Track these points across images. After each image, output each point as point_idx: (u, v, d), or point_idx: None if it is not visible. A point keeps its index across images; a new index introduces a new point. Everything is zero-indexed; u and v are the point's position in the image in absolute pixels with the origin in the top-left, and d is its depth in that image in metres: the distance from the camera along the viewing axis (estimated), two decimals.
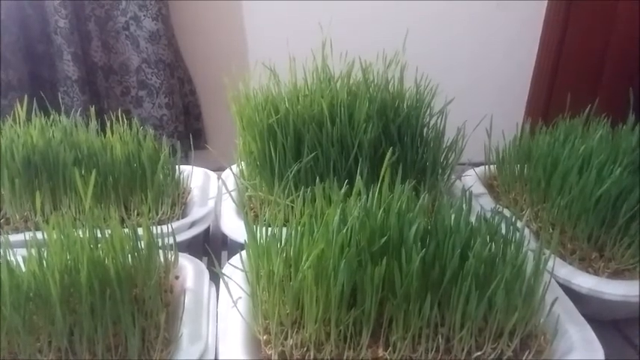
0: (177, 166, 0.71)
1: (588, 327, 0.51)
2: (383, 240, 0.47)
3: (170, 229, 0.55)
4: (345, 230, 0.47)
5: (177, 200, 0.68)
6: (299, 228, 0.48)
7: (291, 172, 0.61)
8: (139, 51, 1.59)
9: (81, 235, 0.45)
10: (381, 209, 0.50)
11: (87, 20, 1.55)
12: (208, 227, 0.70)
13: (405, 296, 0.46)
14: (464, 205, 0.53)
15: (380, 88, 0.69)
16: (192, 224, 0.66)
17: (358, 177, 0.54)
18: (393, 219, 0.49)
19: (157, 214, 0.66)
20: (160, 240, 0.53)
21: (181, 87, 1.67)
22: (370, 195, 0.52)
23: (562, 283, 0.58)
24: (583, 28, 1.63)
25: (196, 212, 0.67)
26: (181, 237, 0.63)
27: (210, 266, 0.57)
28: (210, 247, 0.73)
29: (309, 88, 0.70)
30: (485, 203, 0.72)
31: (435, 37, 1.66)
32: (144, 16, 1.55)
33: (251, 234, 0.49)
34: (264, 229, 0.50)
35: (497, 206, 0.66)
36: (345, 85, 0.67)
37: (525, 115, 1.76)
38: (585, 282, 0.57)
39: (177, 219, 0.67)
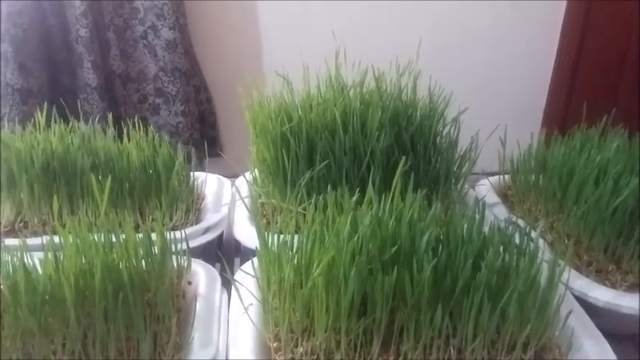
0: (191, 173, 0.71)
1: (604, 340, 0.50)
2: (394, 249, 0.47)
3: (183, 235, 0.55)
4: (355, 238, 0.47)
5: (191, 206, 0.69)
6: (310, 235, 0.48)
7: (303, 180, 0.62)
8: (156, 59, 1.62)
9: (96, 240, 0.45)
10: (393, 218, 0.50)
11: (106, 29, 1.58)
12: (222, 233, 0.71)
13: (415, 306, 0.46)
14: (476, 215, 0.52)
15: (393, 97, 0.69)
16: (206, 230, 0.67)
17: (370, 185, 0.54)
18: (404, 228, 0.49)
19: (172, 220, 0.66)
20: (173, 245, 0.54)
21: (197, 95, 1.69)
22: (382, 203, 0.52)
23: (578, 295, 0.57)
24: (603, 31, 1.61)
25: (210, 218, 0.67)
26: (195, 243, 0.64)
27: (222, 272, 0.57)
28: (224, 253, 0.73)
29: (323, 97, 0.70)
30: (499, 213, 0.71)
31: (450, 43, 1.66)
32: (161, 25, 1.57)
33: (262, 241, 0.49)
34: (275, 236, 0.50)
35: (511, 216, 0.66)
36: (357, 94, 0.67)
37: (543, 123, 1.75)
38: (602, 295, 0.56)
39: (191, 225, 0.67)
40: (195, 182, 0.73)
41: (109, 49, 1.60)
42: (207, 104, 1.73)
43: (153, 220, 0.65)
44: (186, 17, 1.61)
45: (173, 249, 0.55)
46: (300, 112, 0.67)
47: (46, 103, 0.75)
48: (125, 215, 0.56)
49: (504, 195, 0.78)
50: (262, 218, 0.68)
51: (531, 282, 0.47)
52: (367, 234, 0.48)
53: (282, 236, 0.50)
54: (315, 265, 0.46)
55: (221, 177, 0.79)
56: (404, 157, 0.59)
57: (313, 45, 0.96)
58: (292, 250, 0.48)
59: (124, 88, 1.66)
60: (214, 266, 0.61)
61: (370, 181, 0.59)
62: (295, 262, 0.48)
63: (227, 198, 0.74)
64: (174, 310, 0.48)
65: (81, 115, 0.74)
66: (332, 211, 0.52)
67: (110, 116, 0.70)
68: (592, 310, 0.56)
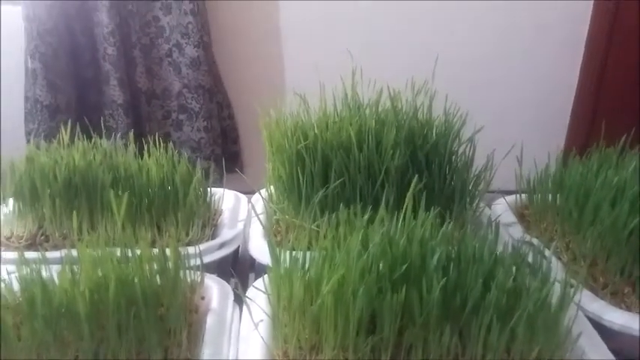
0: (208, 189, 0.73)
1: None
2: (404, 267, 0.47)
3: (197, 251, 0.56)
4: (365, 256, 0.47)
5: (207, 222, 0.70)
6: (320, 253, 0.49)
7: (317, 198, 0.62)
8: (180, 77, 1.65)
9: (112, 254, 0.47)
10: (404, 236, 0.50)
11: (133, 48, 1.62)
12: (238, 249, 0.72)
13: (424, 325, 0.46)
14: (489, 234, 0.52)
15: (408, 116, 0.70)
16: (221, 246, 0.68)
17: (382, 204, 0.55)
18: (415, 246, 0.49)
19: (188, 235, 0.68)
20: (188, 261, 0.55)
21: (220, 111, 1.71)
22: (394, 221, 0.52)
23: (592, 318, 0.56)
24: (627, 48, 1.59)
25: (225, 234, 0.68)
26: (210, 258, 0.65)
27: (234, 288, 0.58)
28: (239, 268, 0.74)
29: (339, 115, 0.71)
30: (514, 233, 0.71)
31: (472, 61, 1.66)
32: (186, 43, 1.61)
33: (273, 257, 0.50)
34: (286, 252, 0.51)
35: (525, 236, 0.65)
36: (373, 113, 0.68)
37: (566, 142, 1.73)
38: (617, 318, 0.55)
39: (207, 240, 0.68)
40: (213, 198, 0.74)
41: (135, 66, 1.64)
42: (229, 120, 1.75)
43: (169, 235, 0.67)
44: (210, 36, 1.65)
45: (187, 264, 0.56)
46: (315, 131, 0.68)
47: (71, 119, 0.78)
48: (142, 230, 0.57)
49: (521, 214, 0.77)
50: (277, 235, 0.69)
51: (542, 303, 0.47)
52: (377, 252, 0.48)
53: (293, 253, 0.51)
54: (324, 283, 0.46)
55: (238, 193, 0.80)
56: (417, 176, 0.59)
57: (333, 64, 0.98)
58: (303, 267, 0.49)
59: (149, 105, 1.70)
60: (230, 281, 0.61)
61: (383, 200, 0.59)
62: (306, 279, 0.48)
63: (243, 214, 0.75)
64: (185, 325, 0.49)
65: (104, 131, 0.76)
66: (344, 228, 0.52)
67: (132, 133, 0.72)
68: (607, 333, 0.55)
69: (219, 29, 1.68)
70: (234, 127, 1.77)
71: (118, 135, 0.76)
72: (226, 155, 1.75)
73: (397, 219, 0.52)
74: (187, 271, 0.55)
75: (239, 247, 0.72)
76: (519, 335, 0.46)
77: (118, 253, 0.49)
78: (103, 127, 0.79)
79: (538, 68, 1.68)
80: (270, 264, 0.52)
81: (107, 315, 0.44)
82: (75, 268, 0.46)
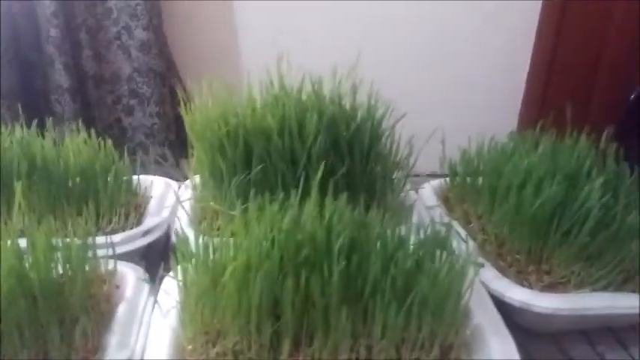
0: (134, 176, 0.73)
1: (511, 340, 0.51)
2: (304, 252, 0.48)
3: (109, 240, 0.57)
4: (268, 242, 0.48)
5: (130, 210, 0.70)
6: (224, 238, 0.49)
7: (235, 183, 0.63)
8: (130, 60, 1.62)
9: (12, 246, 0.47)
10: (309, 222, 0.51)
11: (78, 30, 1.58)
12: (168, 236, 0.72)
13: (324, 308, 0.48)
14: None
15: (333, 102, 0.71)
16: (145, 233, 0.68)
17: (295, 189, 0.56)
18: (320, 231, 0.50)
19: (110, 224, 0.68)
20: (107, 250, 0.56)
21: (173, 96, 1.69)
22: (304, 207, 0.53)
23: (496, 295, 0.59)
24: (577, 33, 1.63)
25: (149, 222, 0.69)
26: (132, 246, 0.65)
27: (145, 277, 0.58)
28: (169, 256, 0.74)
29: (264, 102, 0.72)
30: (436, 215, 0.73)
31: (421, 48, 1.68)
32: (135, 26, 1.58)
33: (180, 244, 0.51)
34: (194, 239, 0.51)
35: (444, 217, 0.67)
36: (293, 99, 0.69)
37: (518, 127, 1.77)
38: (517, 295, 0.58)
39: (131, 228, 0.68)
40: (139, 185, 0.74)
41: (81, 49, 1.60)
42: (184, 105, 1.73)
43: (91, 224, 0.67)
44: (162, 18, 1.62)
45: (104, 253, 0.57)
46: (237, 117, 0.68)
47: (15, 104, 0.75)
48: (50, 220, 0.57)
49: (446, 197, 0.80)
50: (202, 222, 0.69)
51: (436, 282, 0.49)
52: (282, 237, 0.49)
53: (201, 239, 0.51)
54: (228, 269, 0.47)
55: (169, 180, 0.80)
56: (324, 162, 0.61)
57: (287, 42, 0.96)
58: (206, 253, 0.50)
59: (98, 90, 1.66)
60: (158, 269, 0.62)
61: (300, 186, 0.60)
62: (209, 265, 0.49)
63: (171, 201, 0.75)
64: (93, 315, 0.49)
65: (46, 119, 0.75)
66: (255, 214, 0.53)
67: (51, 121, 0.71)
68: (511, 309, 0.58)
69: (171, 11, 1.65)
70: None
71: (68, 120, 0.75)
72: (180, 141, 1.73)
73: (306, 204, 0.54)
74: (101, 261, 0.56)
75: (169, 234, 0.72)
76: (413, 315, 0.48)
77: (24, 244, 0.49)
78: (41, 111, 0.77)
79: (490, 55, 1.71)
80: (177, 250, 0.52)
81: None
82: None
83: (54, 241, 0.49)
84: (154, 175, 0.81)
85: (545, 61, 1.68)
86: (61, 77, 1.56)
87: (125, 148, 0.73)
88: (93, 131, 0.71)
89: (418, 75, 1.70)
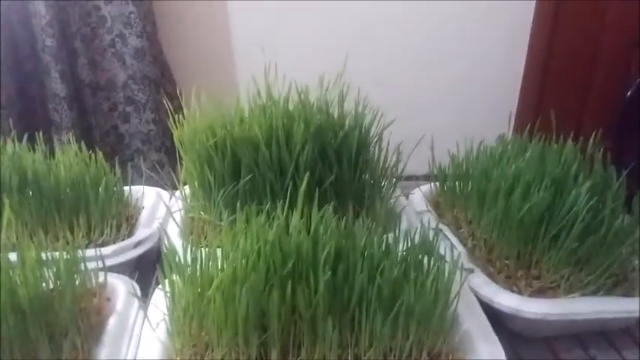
0: (126, 187, 0.73)
1: (499, 345, 0.52)
2: (290, 263, 0.49)
3: (98, 253, 0.57)
4: (255, 254, 0.49)
5: (123, 221, 0.70)
6: (211, 251, 0.50)
7: (223, 194, 0.63)
8: (125, 68, 1.63)
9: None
10: (295, 233, 0.51)
11: (73, 39, 1.59)
12: (159, 248, 0.72)
13: (311, 319, 0.48)
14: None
15: (320, 110, 0.71)
16: (137, 244, 0.68)
17: (282, 200, 0.56)
18: (306, 242, 0.51)
19: (102, 235, 0.68)
20: (99, 262, 0.56)
21: (169, 103, 1.70)
22: (291, 217, 0.54)
23: (485, 301, 0.59)
24: (571, 31, 1.63)
25: (141, 233, 0.69)
26: (123, 258, 0.65)
27: (132, 291, 0.58)
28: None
29: (252, 112, 0.72)
30: (426, 221, 0.73)
31: (416, 49, 1.69)
32: (129, 33, 1.59)
33: (169, 256, 0.51)
34: (182, 251, 0.52)
35: (433, 223, 0.68)
36: (281, 109, 0.69)
37: (515, 128, 1.76)
38: (506, 301, 0.58)
39: (123, 239, 0.69)
40: (130, 196, 0.75)
41: (76, 58, 1.61)
42: (180, 111, 1.74)
43: (83, 237, 0.67)
44: (156, 25, 1.63)
45: (95, 265, 0.57)
46: (226, 128, 0.68)
47: (13, 114, 0.75)
48: (40, 234, 0.57)
49: (436, 202, 0.80)
50: (192, 233, 0.70)
51: (423, 290, 0.49)
52: (268, 249, 0.50)
53: (190, 251, 0.52)
54: (215, 282, 0.48)
55: (160, 190, 0.81)
56: (311, 172, 0.61)
57: (282, 50, 0.96)
58: (194, 265, 0.50)
59: (94, 97, 1.67)
60: (151, 280, 0.62)
61: (287, 196, 0.61)
62: (197, 277, 0.50)
63: (163, 212, 0.76)
64: (82, 328, 0.50)
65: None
66: (243, 225, 0.54)
67: (41, 135, 0.71)
68: (500, 315, 0.58)
69: (165, 18, 1.66)
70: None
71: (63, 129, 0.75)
72: (176, 148, 1.73)
73: (293, 215, 0.54)
74: (92, 274, 0.56)
75: (160, 245, 0.72)
76: (400, 325, 0.48)
77: (14, 258, 0.49)
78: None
79: (483, 53, 1.71)
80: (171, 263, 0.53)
81: None
82: None
83: (44, 255, 0.49)
84: (150, 183, 0.81)
85: (541, 60, 1.67)
86: (57, 86, 1.57)
87: (121, 155, 0.74)
88: (87, 140, 0.72)
89: (411, 76, 1.70)
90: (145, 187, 0.79)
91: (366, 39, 1.65)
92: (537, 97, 1.72)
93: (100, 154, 0.72)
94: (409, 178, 0.77)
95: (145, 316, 0.53)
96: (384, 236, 0.54)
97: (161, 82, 1.65)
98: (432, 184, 0.81)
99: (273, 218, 0.53)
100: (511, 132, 0.79)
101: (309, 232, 0.52)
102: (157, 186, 0.82)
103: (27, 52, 1.56)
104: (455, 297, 0.53)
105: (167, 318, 0.51)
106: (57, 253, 0.52)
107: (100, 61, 1.64)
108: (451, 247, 0.67)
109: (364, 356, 0.49)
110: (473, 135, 0.76)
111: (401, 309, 0.48)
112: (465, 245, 0.68)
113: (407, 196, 0.81)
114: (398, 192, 0.77)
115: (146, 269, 0.71)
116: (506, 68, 1.72)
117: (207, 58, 1.71)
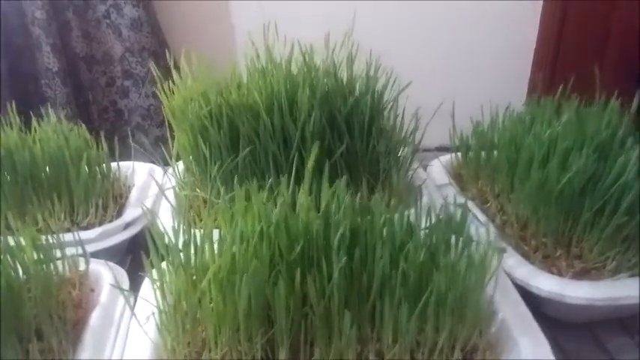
0: (110, 164, 0.66)
1: (543, 339, 0.44)
2: (299, 247, 0.41)
3: (77, 237, 0.50)
4: (256, 236, 0.41)
5: (109, 201, 0.63)
6: (206, 233, 0.43)
7: (220, 168, 0.56)
8: (121, 39, 1.55)
9: None
10: (303, 211, 0.44)
11: (65, 10, 1.51)
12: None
13: (325, 311, 0.41)
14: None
15: (327, 74, 0.63)
16: (127, 226, 0.62)
17: (287, 175, 0.49)
18: (316, 222, 0.44)
19: (87, 217, 0.61)
20: (80, 247, 0.49)
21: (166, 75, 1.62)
22: (301, 194, 0.46)
23: (521, 284, 0.52)
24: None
25: (130, 213, 0.62)
26: (111, 241, 0.59)
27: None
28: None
29: (251, 76, 0.64)
30: (449, 195, 0.66)
31: (427, 18, 1.59)
32: (124, 3, 1.51)
33: (159, 239, 0.44)
34: (180, 234, 0.44)
35: (458, 197, 0.60)
36: (283, 72, 0.61)
37: (528, 93, 1.68)
38: (546, 284, 0.51)
39: (111, 221, 0.62)
40: (119, 173, 0.67)
41: (69, 30, 1.53)
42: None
43: (66, 218, 0.60)
44: None
45: (78, 251, 0.50)
46: (223, 95, 0.61)
47: (4, 90, 0.69)
48: (13, 216, 0.50)
49: (458, 174, 0.72)
50: (187, 212, 0.62)
51: (455, 276, 0.42)
52: (272, 230, 0.43)
53: (182, 235, 0.45)
54: (210, 271, 0.41)
55: (152, 166, 0.73)
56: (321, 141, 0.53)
57: (288, 22, 0.88)
58: (187, 252, 0.43)
59: (90, 72, 1.60)
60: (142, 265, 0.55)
61: (293, 170, 0.53)
62: (191, 265, 0.43)
63: (155, 190, 0.68)
64: (57, 325, 0.43)
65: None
66: (241, 205, 0.46)
67: (13, 106, 0.63)
68: (537, 299, 0.51)
69: None
70: None
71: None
72: None
73: (299, 191, 0.46)
74: (72, 261, 0.49)
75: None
76: (429, 316, 0.41)
77: None
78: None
79: (498, 22, 1.62)
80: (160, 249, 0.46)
81: None
82: None
83: (12, 240, 0.42)
84: (143, 159, 0.74)
85: (556, 21, 1.58)
86: (49, 60, 1.50)
87: (121, 132, 0.67)
88: (85, 117, 0.65)
89: (419, 41, 1.61)
90: (136, 162, 0.72)
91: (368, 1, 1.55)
92: (553, 58, 1.63)
93: (83, 127, 0.64)
94: (424, 150, 0.69)
95: (132, 310, 0.46)
96: (406, 213, 0.46)
97: (160, 53, 1.57)
98: (453, 154, 0.73)
99: (277, 195, 0.46)
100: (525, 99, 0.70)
101: (318, 211, 0.45)
102: (150, 162, 0.74)
103: (15, 25, 1.48)
104: (489, 281, 0.45)
105: (156, 312, 0.45)
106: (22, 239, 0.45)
107: (94, 33, 1.56)
108: (477, 224, 0.60)
109: (387, 354, 0.42)
110: (486, 101, 0.68)
111: (430, 298, 0.40)
112: (492, 221, 0.61)
113: (424, 169, 0.73)
114: (415, 164, 0.69)
115: (140, 254, 0.64)
116: (518, 31, 1.63)
117: (205, 19, 1.62)
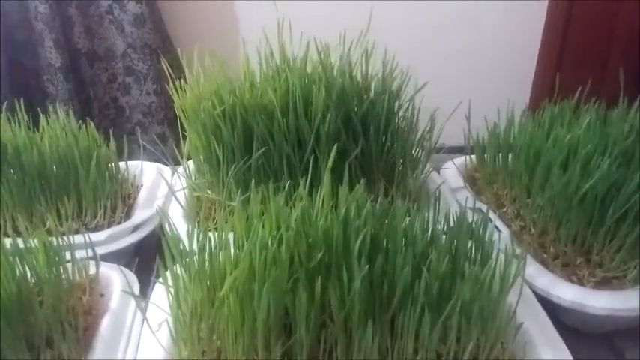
0: (119, 163, 0.64)
1: (566, 351, 0.43)
2: (318, 254, 0.40)
3: (88, 239, 0.49)
4: (275, 243, 0.40)
5: (118, 202, 0.62)
6: (221, 240, 0.41)
7: (233, 170, 0.55)
8: (124, 36, 1.54)
9: None
10: (322, 217, 0.43)
11: (68, 5, 1.50)
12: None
13: (345, 321, 0.40)
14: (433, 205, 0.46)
15: (343, 73, 0.62)
16: (136, 228, 0.60)
17: (304, 179, 0.48)
18: (335, 229, 0.42)
19: (95, 218, 0.60)
20: (89, 250, 0.48)
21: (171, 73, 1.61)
22: (318, 198, 0.45)
23: (540, 294, 0.50)
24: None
25: (139, 215, 0.61)
26: (119, 244, 0.57)
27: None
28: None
29: (264, 75, 0.63)
30: (464, 200, 0.64)
31: (433, 17, 1.57)
32: None
33: (174, 243, 0.43)
34: (194, 238, 0.43)
35: (474, 202, 0.59)
36: (297, 72, 0.60)
37: (531, 95, 1.67)
38: (567, 293, 0.49)
39: (119, 223, 0.60)
40: (127, 173, 0.66)
41: (72, 26, 1.52)
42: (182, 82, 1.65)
43: (73, 221, 0.59)
44: None
45: (86, 255, 0.49)
46: (236, 94, 0.59)
47: (6, 86, 0.67)
48: (22, 218, 0.49)
49: (472, 178, 0.71)
50: (198, 215, 0.61)
51: (479, 286, 0.41)
52: (291, 237, 0.41)
53: (196, 238, 0.43)
54: (227, 277, 0.39)
55: (161, 166, 0.72)
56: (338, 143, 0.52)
57: (292, 17, 0.86)
58: (202, 257, 0.42)
59: (92, 68, 1.58)
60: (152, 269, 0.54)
61: (309, 172, 0.52)
62: (206, 271, 0.41)
63: (164, 191, 0.67)
64: (68, 331, 0.42)
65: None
66: (257, 209, 0.45)
67: (4, 103, 0.62)
68: (557, 308, 0.50)
69: None
70: None
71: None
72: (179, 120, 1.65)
73: (317, 195, 0.45)
74: (82, 264, 0.48)
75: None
76: (453, 327, 0.40)
77: None
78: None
79: (501, 21, 1.60)
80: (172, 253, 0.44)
81: None
82: None
83: (22, 243, 0.41)
84: (151, 159, 0.72)
85: (561, 21, 1.57)
86: (52, 55, 1.48)
87: (122, 129, 0.65)
88: (86, 114, 0.63)
89: (427, 41, 1.59)
90: (144, 162, 0.70)
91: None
92: (557, 58, 1.62)
93: (92, 125, 0.63)
94: (437, 151, 0.68)
95: (144, 316, 0.44)
96: (426, 219, 0.45)
97: (162, 50, 1.55)
98: (467, 157, 0.72)
99: (294, 199, 0.44)
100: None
101: (330, 217, 0.44)
102: (158, 162, 0.73)
103: (18, 19, 1.47)
104: (510, 290, 0.44)
105: (170, 319, 0.43)
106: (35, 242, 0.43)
107: (96, 29, 1.54)
108: (493, 229, 0.58)
109: None
110: (490, 103, 0.67)
111: (454, 309, 0.39)
112: (509, 227, 0.59)
113: (438, 171, 0.72)
114: (428, 166, 0.68)
115: (147, 257, 0.63)
116: (524, 31, 1.61)
117: (208, 28, 1.60)
